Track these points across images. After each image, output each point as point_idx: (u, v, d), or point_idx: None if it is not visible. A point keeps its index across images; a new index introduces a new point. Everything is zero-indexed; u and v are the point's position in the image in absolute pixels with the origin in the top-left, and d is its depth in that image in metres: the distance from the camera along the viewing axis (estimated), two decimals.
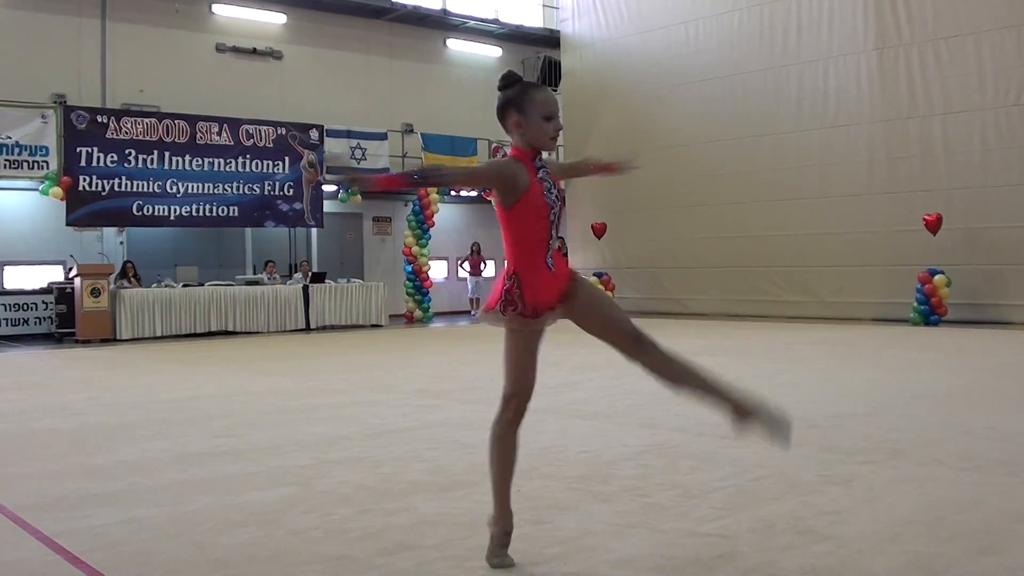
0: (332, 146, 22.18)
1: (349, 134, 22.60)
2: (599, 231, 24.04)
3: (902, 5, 19.06)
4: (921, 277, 17.72)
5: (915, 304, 17.89)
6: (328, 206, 22.30)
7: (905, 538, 4.18)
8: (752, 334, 16.76)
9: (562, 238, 4.71)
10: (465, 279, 24.59)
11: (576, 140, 25.26)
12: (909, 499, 4.78)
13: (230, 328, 18.95)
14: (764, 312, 20.87)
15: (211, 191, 20.37)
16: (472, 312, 23.88)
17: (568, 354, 13.39)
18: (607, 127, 24.43)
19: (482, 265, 24.31)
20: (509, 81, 3.76)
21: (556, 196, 3.80)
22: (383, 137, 23.18)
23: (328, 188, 22.15)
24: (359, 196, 22.10)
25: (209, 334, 18.60)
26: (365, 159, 22.66)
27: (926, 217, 17.91)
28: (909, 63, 18.97)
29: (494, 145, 24.80)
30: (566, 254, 4.24)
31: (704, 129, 22.17)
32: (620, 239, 23.99)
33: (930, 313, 17.68)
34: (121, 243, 21.08)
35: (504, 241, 3.79)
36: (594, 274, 23.30)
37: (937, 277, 17.57)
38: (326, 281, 20.52)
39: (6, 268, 20.06)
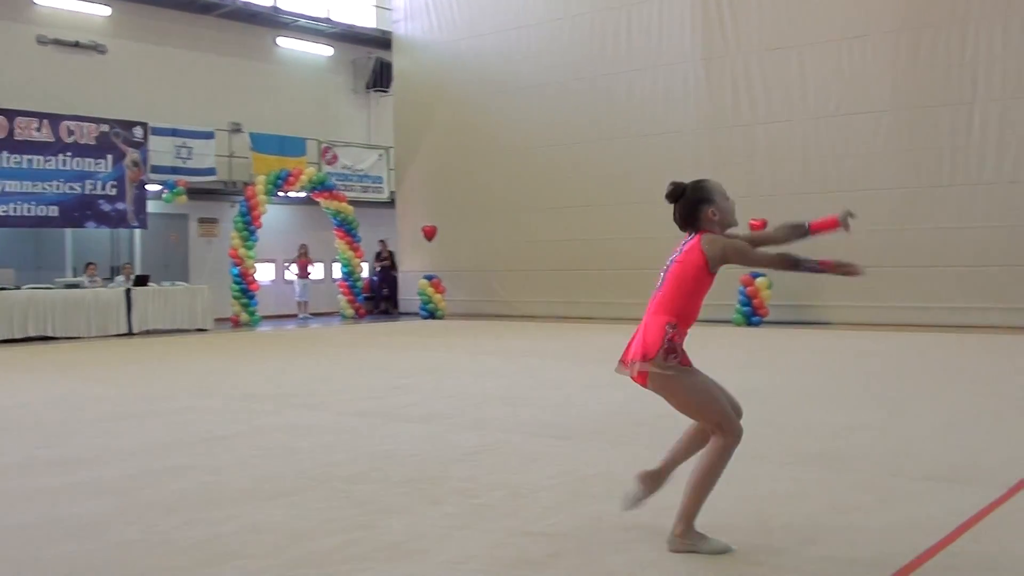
0: (157, 144, 21.50)
1: (175, 132, 21.96)
2: (429, 234, 24.06)
3: (728, 17, 19.71)
4: (744, 279, 18.33)
5: (738, 306, 18.53)
6: (152, 206, 21.62)
7: (731, 531, 4.32)
8: (582, 336, 17.03)
9: None
10: (293, 282, 24.21)
11: (409, 142, 25.28)
12: (734, 493, 4.93)
13: (49, 333, 18.13)
14: (597, 314, 21.23)
15: (29, 190, 19.45)
16: (300, 315, 23.56)
17: (399, 358, 13.37)
18: (441, 130, 24.50)
19: (310, 267, 23.99)
20: (681, 188, 4.36)
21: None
22: (210, 136, 22.61)
23: (152, 188, 21.48)
24: (184, 196, 21.50)
25: (27, 340, 17.77)
26: (191, 158, 22.07)
27: (751, 222, 18.49)
28: (734, 73, 19.64)
29: (324, 146, 24.53)
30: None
31: (537, 133, 22.45)
32: (451, 242, 24.05)
33: (752, 314, 18.34)
34: None
35: (675, 292, 4.22)
36: (424, 276, 23.29)
37: (759, 279, 18.23)
38: (149, 284, 19.89)
39: None
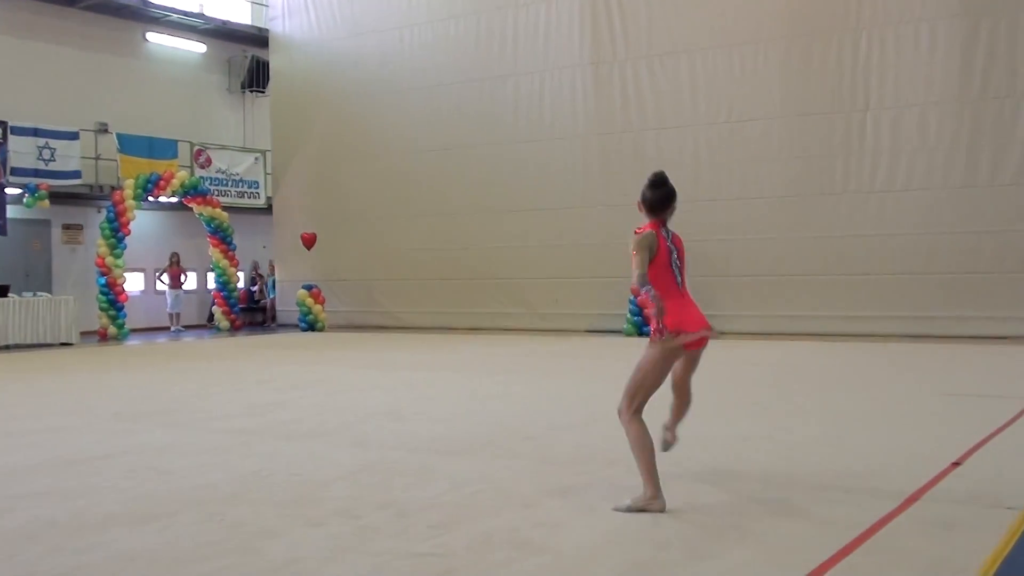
0: (17, 145, 20.82)
1: (36, 132, 21.28)
2: (309, 241, 23.76)
3: (618, 21, 20.00)
4: (634, 289, 18.49)
5: (628, 315, 18.73)
6: (12, 211, 20.92)
7: (622, 547, 4.39)
8: (468, 347, 17.10)
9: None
10: (164, 292, 23.63)
11: (287, 145, 25.01)
12: (622, 512, 5.00)
13: None
14: (482, 324, 21.32)
15: None
16: (172, 328, 23.07)
17: (277, 372, 13.21)
18: (320, 133, 24.31)
19: (182, 277, 23.47)
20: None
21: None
22: (74, 136, 21.99)
23: (12, 191, 20.81)
24: (47, 200, 20.86)
25: None
26: (54, 160, 21.44)
27: (637, 229, 18.74)
28: (624, 78, 19.93)
29: (196, 148, 24.09)
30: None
31: (421, 137, 22.43)
32: (331, 250, 23.85)
33: (644, 324, 18.51)
34: None
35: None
36: (303, 287, 23.04)
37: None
38: (9, 295, 19.27)
39: None
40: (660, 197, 5.30)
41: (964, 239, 16.86)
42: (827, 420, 8.03)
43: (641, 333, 18.37)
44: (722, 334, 17.79)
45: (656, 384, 5.25)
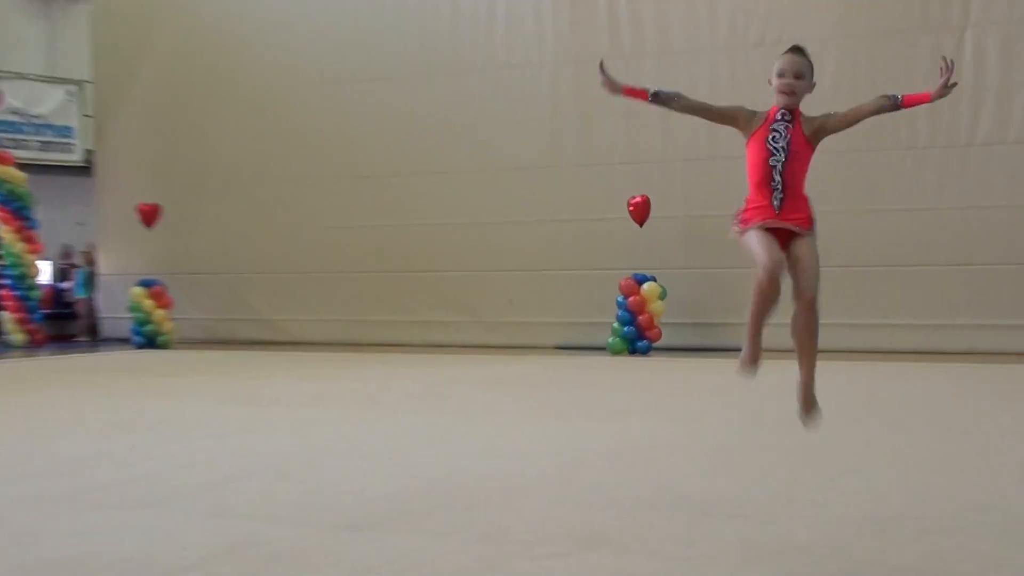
0: None
1: None
2: (148, 215, 23.51)
3: None
4: (624, 286, 18.53)
5: (615, 325, 18.76)
6: None
7: None
8: (382, 372, 17.10)
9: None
10: None
11: (116, 76, 24.81)
12: None
13: None
14: (402, 339, 21.44)
15: None
16: None
17: (98, 410, 13.05)
18: (165, 58, 24.16)
19: None
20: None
21: (782, 146, 6.65)
22: None
23: None
24: None
25: None
26: None
27: (631, 200, 18.73)
28: None
29: None
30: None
31: (313, 68, 22.50)
32: (182, 229, 23.80)
33: (637, 337, 18.65)
34: None
35: None
36: (139, 283, 22.82)
37: (647, 286, 18.53)
38: None
39: None
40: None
41: None
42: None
43: (634, 351, 18.36)
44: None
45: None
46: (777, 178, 6.65)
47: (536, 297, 20.55)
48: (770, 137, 6.64)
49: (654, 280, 18.58)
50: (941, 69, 6.63)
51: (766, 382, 13.99)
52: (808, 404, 7.00)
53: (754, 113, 6.75)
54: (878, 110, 6.76)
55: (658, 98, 6.92)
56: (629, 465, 8.70)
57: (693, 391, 14.31)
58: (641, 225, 18.75)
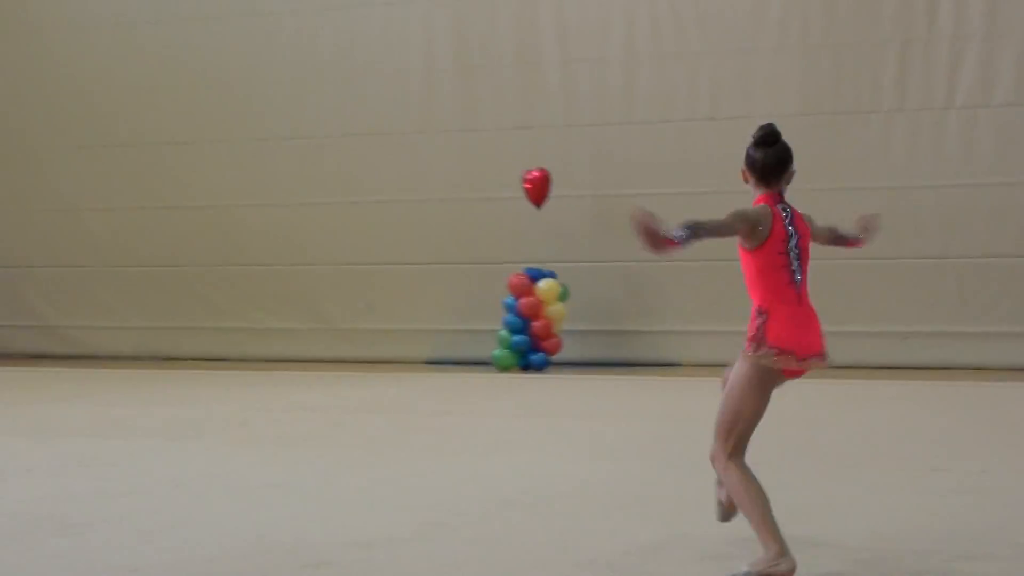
0: None
1: None
2: None
3: None
4: (514, 284, 18.12)
5: (503, 333, 18.35)
6: None
7: None
8: (203, 395, 16.82)
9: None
10: None
11: None
12: None
13: None
14: (231, 352, 21.05)
15: None
16: None
17: None
18: None
19: None
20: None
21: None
22: None
23: None
24: None
25: None
26: None
27: (527, 175, 18.26)
28: None
29: None
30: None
31: (104, 33, 21.69)
32: None
33: (530, 348, 18.25)
34: None
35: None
36: None
37: (543, 284, 18.15)
38: None
39: None
40: (773, 159, 6.71)
41: None
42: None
43: (527, 366, 18.05)
44: (676, 365, 18.37)
45: (756, 414, 6.62)
46: (800, 274, 6.77)
47: (401, 299, 20.24)
48: (790, 241, 6.69)
49: (552, 277, 18.20)
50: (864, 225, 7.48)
51: (693, 403, 13.90)
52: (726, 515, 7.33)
53: (751, 214, 6.65)
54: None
55: (693, 232, 6.44)
56: (522, 519, 8.65)
57: (600, 417, 14.11)
58: (539, 206, 18.36)
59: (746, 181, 6.75)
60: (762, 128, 6.73)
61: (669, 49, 18.86)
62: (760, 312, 6.55)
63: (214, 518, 8.70)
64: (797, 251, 6.53)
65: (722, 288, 18.00)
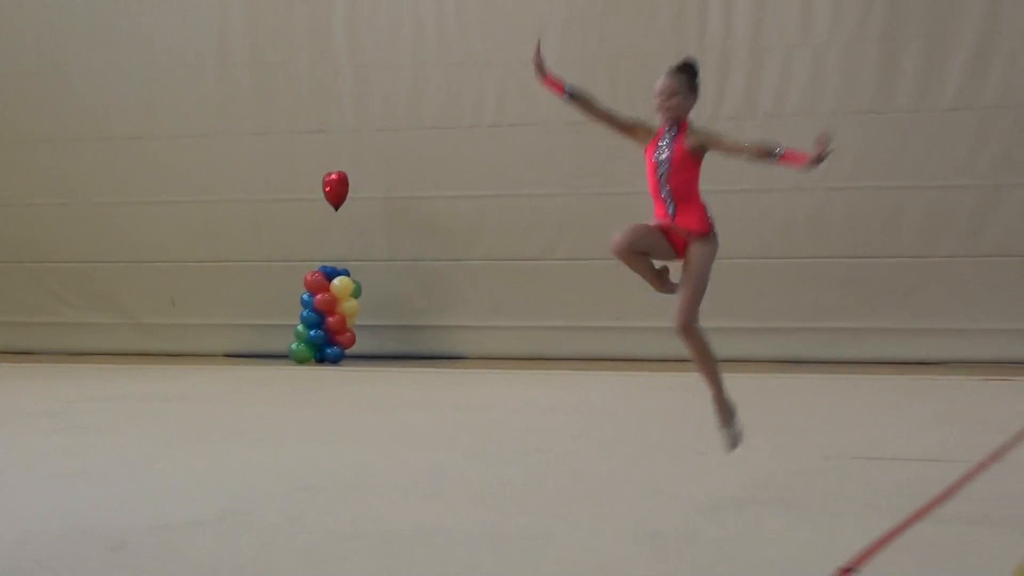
0: None
1: None
2: None
3: None
4: (310, 281, 18.60)
5: (300, 328, 18.86)
6: None
7: None
8: (7, 386, 17.10)
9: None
10: None
11: None
12: None
13: None
14: (36, 345, 21.04)
15: None
16: None
17: None
18: None
19: None
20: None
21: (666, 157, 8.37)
22: None
23: None
24: None
25: None
26: None
27: (327, 177, 18.67)
28: None
29: None
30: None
31: None
32: None
33: (326, 342, 18.75)
34: None
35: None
36: None
37: (338, 281, 18.61)
38: None
39: None
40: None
41: (870, 200, 17.75)
42: (638, 508, 8.34)
43: (323, 359, 18.44)
44: (463, 358, 18.91)
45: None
46: (666, 188, 8.32)
47: (201, 295, 20.22)
48: (656, 152, 8.32)
49: (347, 275, 18.56)
50: (819, 140, 7.88)
51: (478, 393, 14.24)
52: (722, 417, 8.56)
53: (651, 129, 8.46)
54: (755, 157, 8.52)
55: (574, 96, 8.61)
56: (319, 501, 8.79)
57: (390, 407, 14.47)
58: (337, 208, 18.59)
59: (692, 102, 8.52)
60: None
61: (455, 58, 19.12)
62: (705, 204, 8.35)
63: (18, 504, 8.68)
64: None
65: (506, 287, 18.79)
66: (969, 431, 11.61)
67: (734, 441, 8.50)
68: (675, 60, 17.46)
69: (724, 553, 7.14)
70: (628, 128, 8.63)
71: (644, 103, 17.42)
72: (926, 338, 17.36)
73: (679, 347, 8.93)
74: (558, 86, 8.50)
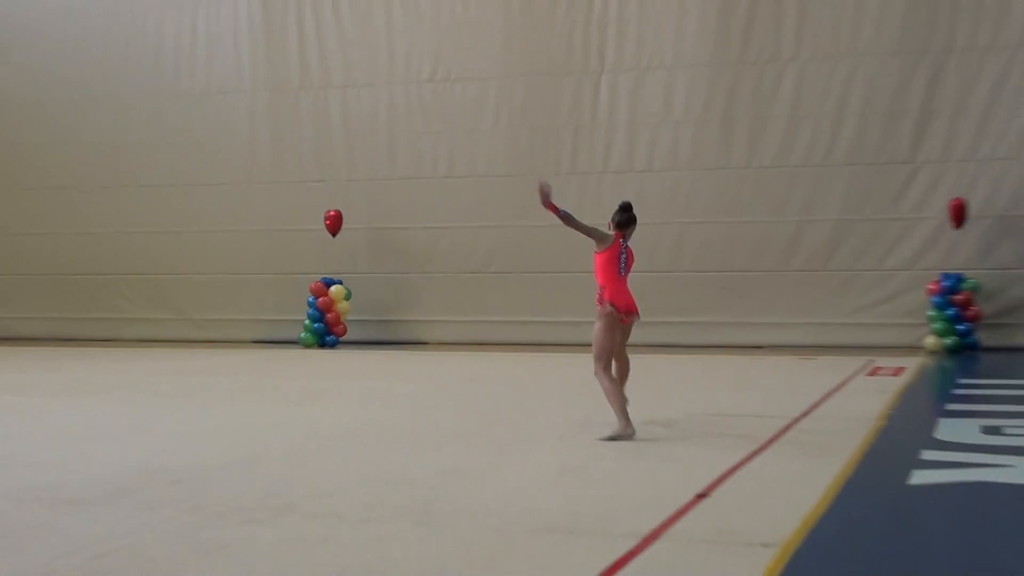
0: None
1: None
2: None
3: None
4: (314, 288, 18.51)
5: (307, 322, 18.73)
6: None
7: None
8: (90, 364, 16.66)
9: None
10: None
11: None
12: (302, 563, 4.97)
13: None
14: (114, 334, 20.67)
15: None
16: None
17: None
18: None
19: None
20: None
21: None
22: None
23: None
24: None
25: None
26: None
27: (327, 213, 18.60)
28: (301, 18, 19.75)
29: None
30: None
31: (21, 87, 21.38)
32: None
33: (326, 332, 18.60)
34: None
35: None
36: None
37: (334, 288, 18.51)
38: None
39: None
40: (625, 219, 8.88)
41: (715, 230, 17.79)
42: (549, 450, 8.35)
43: (323, 344, 18.34)
44: (424, 345, 18.71)
45: (612, 345, 8.80)
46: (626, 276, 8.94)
47: (238, 297, 20.00)
48: (622, 256, 8.79)
49: (340, 283, 18.47)
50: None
51: (437, 369, 14.15)
52: (614, 430, 8.57)
53: (609, 236, 8.80)
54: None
55: (566, 216, 8.50)
56: (329, 448, 8.69)
57: (375, 378, 14.46)
58: (335, 235, 18.59)
59: (610, 228, 8.81)
60: (624, 203, 8.99)
61: (419, 129, 19.05)
62: (601, 288, 8.69)
63: (110, 448, 8.54)
64: (624, 261, 8.74)
65: (455, 292, 18.82)
66: (787, 394, 11.71)
67: (611, 439, 8.48)
68: (576, 130, 18.05)
69: (612, 481, 7.18)
70: (596, 234, 8.76)
71: (554, 163, 18.08)
72: (755, 329, 17.46)
73: (583, 334, 9.39)
74: (556, 210, 8.44)
